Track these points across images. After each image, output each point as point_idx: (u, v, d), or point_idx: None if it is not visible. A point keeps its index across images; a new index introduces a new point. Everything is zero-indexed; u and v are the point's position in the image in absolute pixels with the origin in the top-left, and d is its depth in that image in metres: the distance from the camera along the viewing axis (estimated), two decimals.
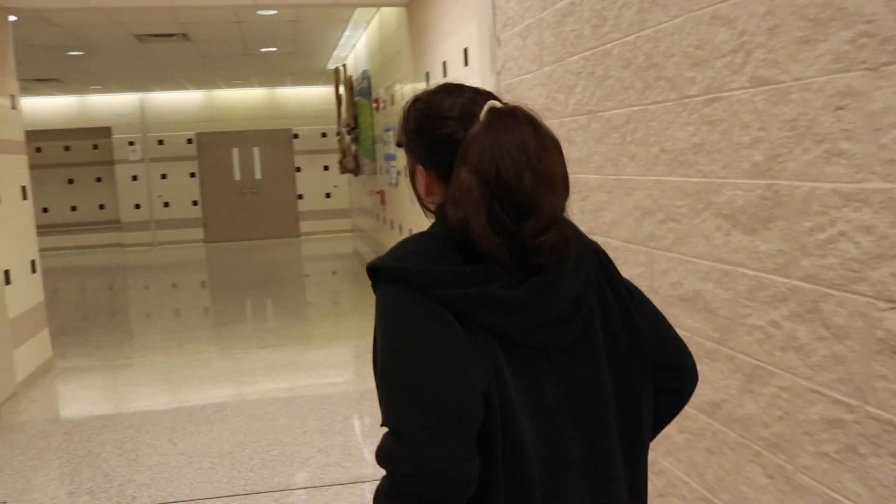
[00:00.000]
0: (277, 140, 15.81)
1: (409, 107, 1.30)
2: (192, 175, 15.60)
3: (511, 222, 1.13)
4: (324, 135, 15.76)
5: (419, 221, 2.27)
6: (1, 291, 5.64)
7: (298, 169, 15.89)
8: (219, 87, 14.94)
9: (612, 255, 2.46)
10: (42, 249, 7.29)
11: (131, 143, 15.36)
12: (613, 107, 2.60)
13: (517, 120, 1.17)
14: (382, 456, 1.11)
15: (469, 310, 1.13)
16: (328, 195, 15.90)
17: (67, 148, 15.84)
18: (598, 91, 2.72)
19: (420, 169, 1.28)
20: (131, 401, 5.68)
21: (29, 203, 6.49)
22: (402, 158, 7.25)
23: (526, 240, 1.14)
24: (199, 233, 15.73)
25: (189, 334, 7.79)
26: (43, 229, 15.50)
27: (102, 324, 8.95)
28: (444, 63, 5.28)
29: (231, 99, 15.54)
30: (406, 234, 5.06)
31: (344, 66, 11.07)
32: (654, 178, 2.37)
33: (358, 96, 8.96)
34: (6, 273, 5.83)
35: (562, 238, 1.16)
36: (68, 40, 9.05)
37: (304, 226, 15.90)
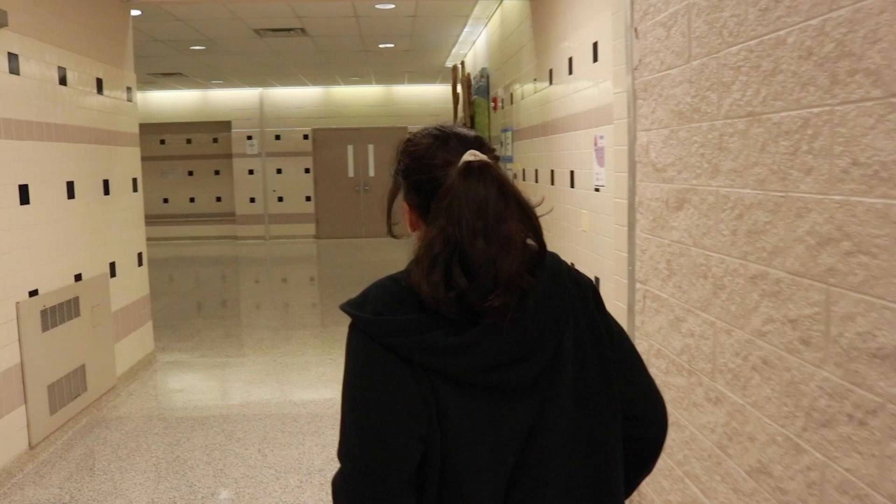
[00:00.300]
0: (392, 138, 15.63)
1: (402, 147, 1.39)
2: (307, 171, 15.68)
3: (465, 281, 1.20)
4: None
5: None
6: (105, 284, 5.58)
7: None
8: (336, 83, 14.93)
9: (771, 288, 1.92)
10: (162, 238, 7.30)
11: (249, 138, 15.57)
12: (785, 108, 2.12)
13: (484, 180, 1.23)
14: (333, 490, 1.27)
15: (415, 355, 1.22)
16: None
17: (189, 141, 16.23)
18: (763, 88, 2.23)
19: (405, 206, 1.38)
20: (225, 403, 5.51)
21: (139, 195, 6.44)
22: (518, 161, 6.92)
23: (474, 301, 1.20)
24: (310, 228, 15.80)
25: (293, 332, 7.65)
26: (163, 219, 16.03)
27: (211, 315, 8.95)
28: (570, 59, 4.84)
29: (347, 95, 15.53)
30: None
31: (462, 63, 10.75)
32: (839, 197, 1.88)
33: (476, 95, 8.60)
34: (112, 266, 5.78)
35: (511, 299, 1.20)
36: (190, 35, 9.09)
37: None
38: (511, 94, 7.08)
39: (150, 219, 15.74)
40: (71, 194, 5.09)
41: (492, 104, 8.05)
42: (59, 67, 5.01)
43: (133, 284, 6.22)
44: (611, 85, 3.76)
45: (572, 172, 4.83)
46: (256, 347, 7.12)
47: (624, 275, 3.46)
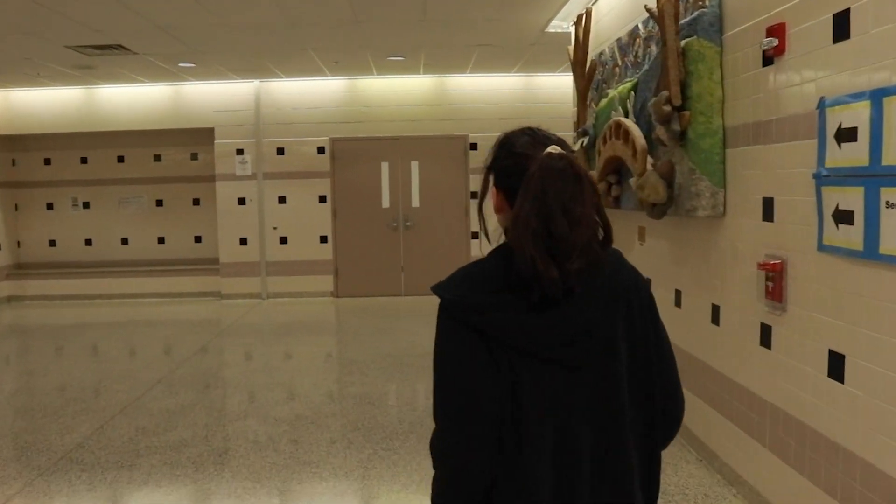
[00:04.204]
0: (446, 151, 11.30)
1: (497, 142, 1.70)
2: (322, 199, 11.32)
3: (551, 248, 1.53)
4: None
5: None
6: None
7: (474, 195, 11.27)
8: (367, 70, 10.57)
9: None
10: (117, 295, 3.76)
11: (240, 152, 11.29)
12: None
13: (562, 168, 1.55)
14: (431, 447, 1.62)
15: (491, 331, 1.54)
16: None
17: (157, 157, 12.00)
18: None
19: (493, 190, 1.68)
20: None
21: None
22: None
23: (560, 263, 1.52)
24: (327, 282, 11.44)
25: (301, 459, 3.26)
26: (121, 267, 11.73)
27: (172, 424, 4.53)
28: None
29: (382, 90, 11.20)
30: None
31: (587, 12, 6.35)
32: None
33: (689, 36, 4.21)
34: None
35: (584, 265, 1.54)
36: None
37: None
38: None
39: (103, 267, 11.61)
40: None
41: (769, 49, 3.61)
42: None
43: None
44: None
45: None
46: None
47: None
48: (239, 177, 11.31)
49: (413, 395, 6.30)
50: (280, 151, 11.28)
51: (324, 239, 11.42)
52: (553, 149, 1.58)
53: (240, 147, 11.28)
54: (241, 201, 11.33)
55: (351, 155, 11.35)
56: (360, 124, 11.25)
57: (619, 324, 1.61)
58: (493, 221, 1.73)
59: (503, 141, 1.68)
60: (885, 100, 2.75)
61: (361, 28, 7.77)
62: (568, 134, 8.82)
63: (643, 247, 5.64)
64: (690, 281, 4.71)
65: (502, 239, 1.69)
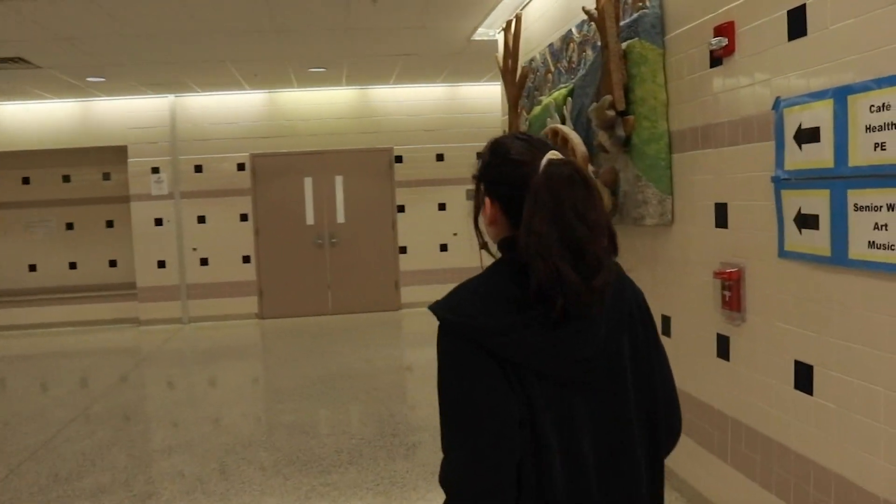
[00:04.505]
0: (371, 165, 11.03)
1: (488, 147, 1.59)
2: (244, 217, 10.89)
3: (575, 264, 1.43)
4: (440, 157, 10.97)
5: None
6: None
7: (401, 208, 11.05)
8: (286, 83, 10.23)
9: None
10: (26, 326, 3.20)
11: (156, 171, 10.77)
12: None
13: (571, 175, 1.46)
14: (441, 479, 1.47)
15: (509, 354, 1.44)
16: (444, 248, 11.03)
17: (67, 178, 11.39)
18: None
19: (487, 202, 1.56)
20: None
21: None
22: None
23: (585, 281, 1.43)
24: (251, 304, 10.99)
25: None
26: (29, 296, 11.05)
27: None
28: None
29: (304, 103, 10.85)
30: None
31: (517, 18, 6.21)
32: None
33: (630, 38, 4.08)
34: None
35: (609, 278, 1.46)
36: None
37: (408, 293, 11.02)
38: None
39: (9, 296, 10.89)
40: None
41: (716, 47, 3.49)
42: None
43: None
44: None
45: None
46: None
47: None
48: (155, 196, 10.79)
49: (348, 422, 5.99)
50: (198, 169, 10.80)
51: (246, 259, 10.98)
52: (553, 154, 1.50)
53: (155, 165, 10.76)
54: (158, 222, 10.81)
55: (272, 171, 10.96)
56: (281, 139, 10.88)
57: (625, 339, 1.57)
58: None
59: (495, 148, 1.58)
60: (850, 98, 2.62)
61: (281, 38, 7.46)
62: None
63: None
64: None
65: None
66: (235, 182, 10.87)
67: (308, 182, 11.05)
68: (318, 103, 10.89)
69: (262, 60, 8.53)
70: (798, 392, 3.03)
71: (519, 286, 1.45)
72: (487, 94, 10.50)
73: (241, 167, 10.86)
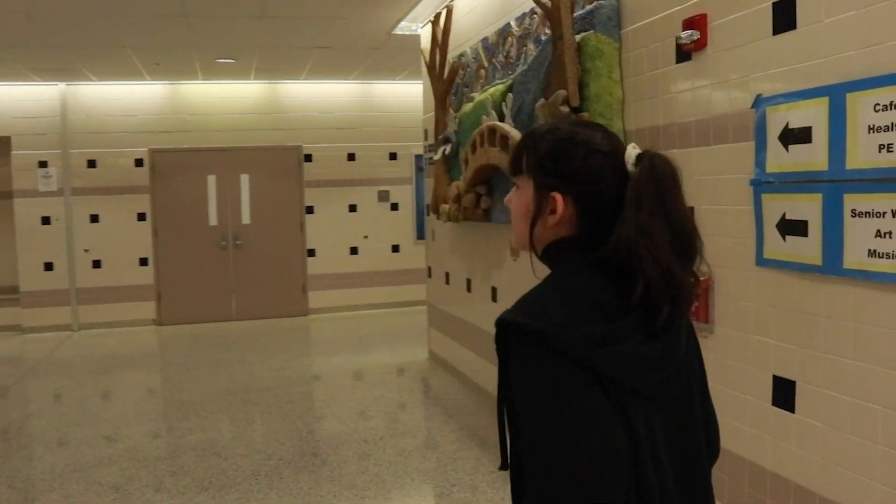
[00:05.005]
0: (279, 163, 10.55)
1: (544, 135, 1.39)
2: (142, 217, 10.22)
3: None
4: (351, 156, 10.58)
5: None
6: None
7: (310, 209, 10.60)
8: (191, 74, 9.64)
9: None
10: None
11: (43, 165, 9.96)
12: None
13: (675, 171, 1.33)
14: None
15: (606, 369, 1.22)
16: (354, 250, 10.64)
17: None
18: None
19: (558, 198, 1.34)
20: None
21: None
22: None
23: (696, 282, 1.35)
24: (149, 309, 10.34)
25: None
26: None
27: None
28: None
29: (209, 96, 10.29)
30: None
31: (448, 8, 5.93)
32: None
33: (584, 31, 3.86)
34: None
35: (697, 278, 1.36)
36: None
37: (316, 298, 10.59)
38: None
39: None
40: None
41: (687, 41, 3.29)
42: None
43: None
44: None
45: None
46: None
47: None
48: (42, 193, 9.97)
49: (263, 440, 5.55)
50: (91, 164, 10.06)
51: (144, 261, 10.30)
52: (633, 146, 1.36)
53: (43, 159, 9.96)
54: (46, 221, 10.00)
55: (173, 168, 10.33)
56: (183, 134, 10.26)
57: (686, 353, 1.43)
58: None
59: (575, 139, 1.36)
60: (850, 96, 2.44)
61: (189, 23, 6.95)
62: (418, 144, 8.38)
63: (516, 262, 5.24)
64: None
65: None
66: (133, 179, 10.18)
67: (212, 180, 10.46)
68: (225, 97, 10.32)
69: (166, 48, 7.97)
70: (778, 409, 2.85)
71: (622, 289, 1.26)
72: (403, 93, 10.22)
73: (139, 163, 10.18)
